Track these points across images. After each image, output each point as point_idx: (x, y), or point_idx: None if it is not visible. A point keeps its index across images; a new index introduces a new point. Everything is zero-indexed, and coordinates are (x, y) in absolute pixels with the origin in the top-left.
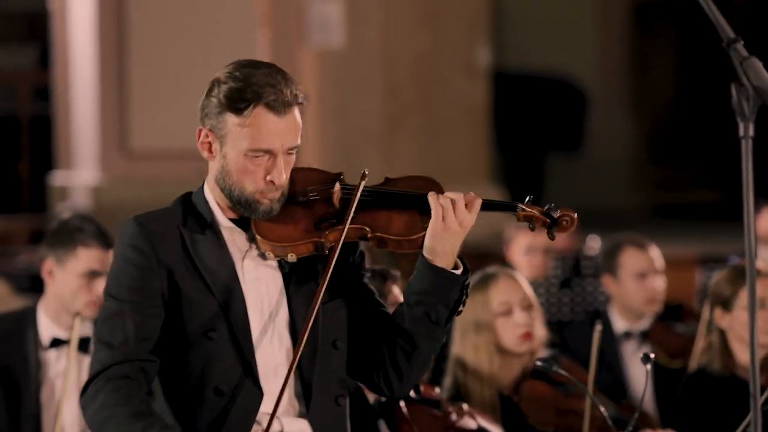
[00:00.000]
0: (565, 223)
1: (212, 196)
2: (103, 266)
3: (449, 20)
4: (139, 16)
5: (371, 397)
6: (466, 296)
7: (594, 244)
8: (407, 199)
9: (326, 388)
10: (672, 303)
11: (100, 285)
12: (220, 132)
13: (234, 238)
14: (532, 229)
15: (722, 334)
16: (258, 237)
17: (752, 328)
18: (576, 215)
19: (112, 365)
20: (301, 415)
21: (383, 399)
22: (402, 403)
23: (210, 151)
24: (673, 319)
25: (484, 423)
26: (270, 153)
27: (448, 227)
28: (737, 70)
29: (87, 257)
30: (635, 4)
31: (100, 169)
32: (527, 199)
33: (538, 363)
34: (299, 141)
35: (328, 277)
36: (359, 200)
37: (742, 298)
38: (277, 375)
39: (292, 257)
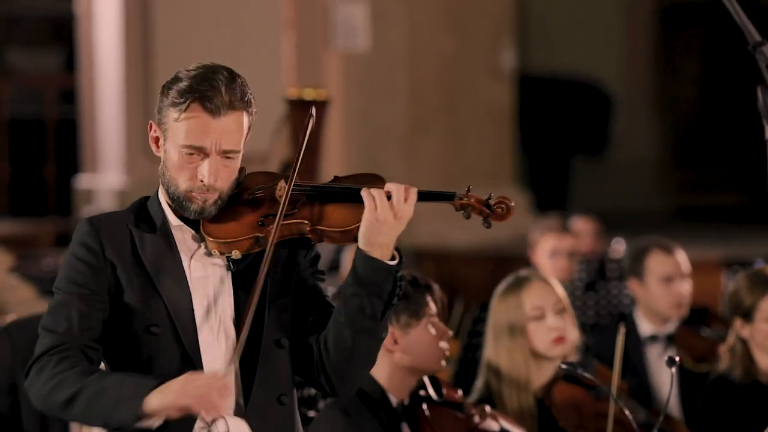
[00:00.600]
0: (500, 210)
1: (163, 196)
2: None
3: (474, 23)
4: (165, 20)
5: (394, 400)
6: (400, 289)
7: (619, 246)
8: (347, 194)
9: (268, 386)
10: (697, 307)
11: None
12: (163, 127)
13: (184, 237)
14: (467, 217)
15: (744, 343)
16: (204, 235)
17: None
18: (513, 204)
19: (56, 347)
20: (240, 414)
21: (406, 402)
22: (425, 406)
23: (157, 145)
24: (699, 323)
25: (507, 425)
26: (202, 151)
27: (381, 218)
28: (763, 73)
29: None
30: (661, 7)
31: (125, 172)
32: (466, 189)
33: (563, 366)
34: (240, 147)
35: (265, 271)
36: (303, 195)
37: (764, 309)
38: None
39: (236, 254)
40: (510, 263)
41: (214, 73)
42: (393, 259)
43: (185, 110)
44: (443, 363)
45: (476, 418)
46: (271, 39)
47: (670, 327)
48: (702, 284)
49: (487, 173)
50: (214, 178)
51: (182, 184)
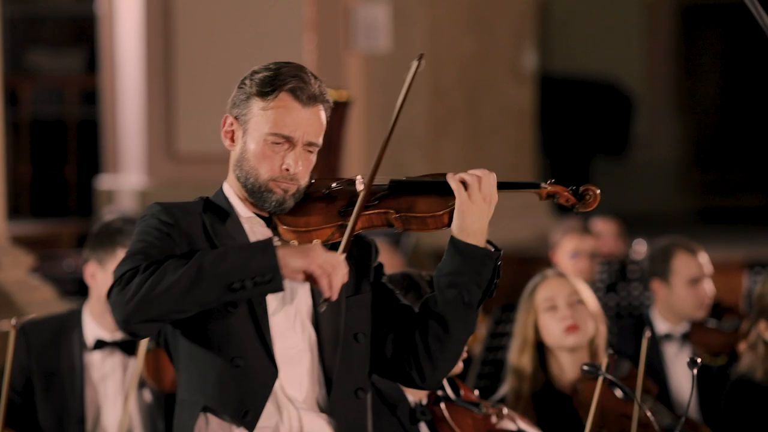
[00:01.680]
0: (588, 197)
1: (232, 191)
2: None
3: (496, 24)
4: (186, 21)
5: (412, 399)
6: (499, 277)
7: (640, 248)
8: (428, 186)
9: (346, 379)
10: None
11: None
12: (244, 118)
13: (254, 229)
14: (556, 203)
15: (766, 345)
16: (282, 227)
17: None
18: (599, 192)
19: (138, 265)
20: (323, 409)
21: (423, 402)
22: (442, 405)
23: (232, 139)
24: (713, 317)
25: (525, 426)
26: (289, 141)
27: (474, 201)
28: None
29: None
30: (682, 8)
31: (146, 172)
32: (549, 181)
33: (585, 368)
34: (320, 141)
35: (345, 246)
36: (381, 189)
37: None
38: (301, 361)
39: (316, 243)
40: (531, 264)
41: (300, 68)
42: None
43: (274, 99)
44: (460, 364)
45: (494, 418)
46: (293, 40)
47: (685, 325)
48: (724, 285)
49: (509, 174)
50: (298, 166)
51: (264, 173)
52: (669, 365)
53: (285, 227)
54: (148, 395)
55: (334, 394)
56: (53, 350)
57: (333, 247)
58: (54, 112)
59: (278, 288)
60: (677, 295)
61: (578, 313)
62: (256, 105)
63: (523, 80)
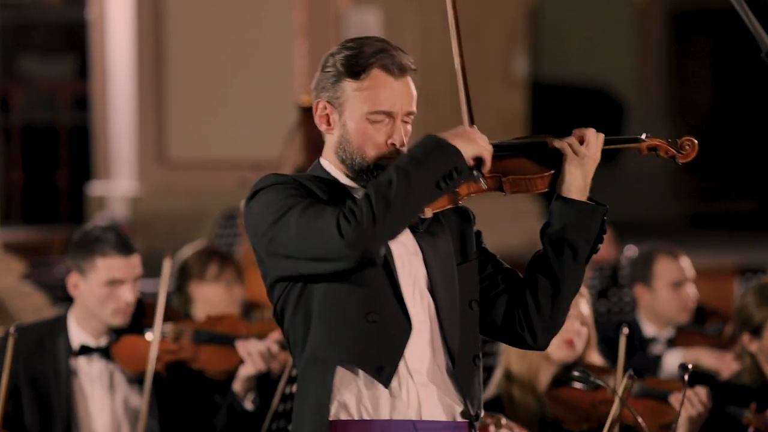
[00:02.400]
0: (687, 147)
1: (332, 167)
2: (124, 274)
3: (487, 30)
4: (177, 27)
5: None
6: (605, 231)
7: (632, 254)
8: (530, 147)
9: (466, 348)
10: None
11: (125, 292)
12: (338, 101)
13: None
14: (657, 156)
15: (752, 357)
16: None
17: None
18: (696, 142)
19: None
20: (445, 380)
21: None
22: None
23: (328, 123)
24: (697, 321)
25: None
26: (390, 116)
27: (583, 156)
28: None
29: (106, 267)
30: (673, 14)
31: (137, 179)
32: (645, 135)
33: (575, 373)
34: (415, 108)
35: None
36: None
37: None
38: (421, 331)
39: (428, 212)
40: (522, 269)
41: (382, 41)
42: None
43: (367, 77)
44: None
45: (492, 428)
46: (284, 45)
47: (671, 330)
48: (715, 291)
49: None
50: (404, 139)
51: (371, 151)
52: (660, 368)
53: None
54: (135, 399)
55: (459, 364)
56: (39, 355)
57: (433, 222)
58: (45, 119)
59: (470, 177)
60: (660, 299)
61: (578, 328)
62: (349, 86)
63: (514, 86)
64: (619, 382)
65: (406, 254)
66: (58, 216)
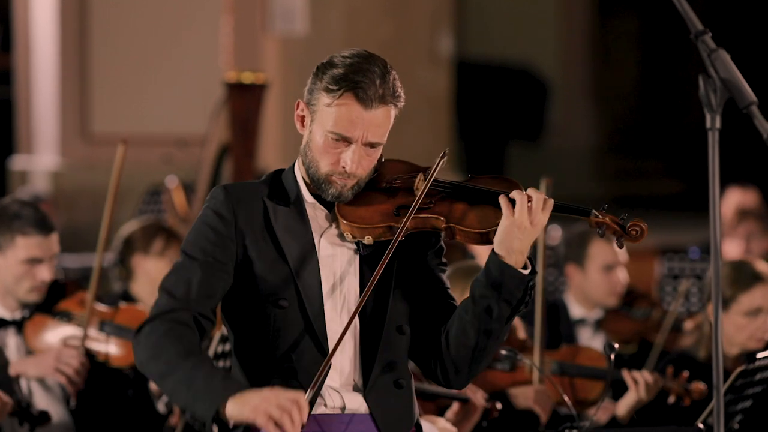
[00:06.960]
0: (634, 233)
1: (300, 172)
2: (43, 252)
3: (412, 9)
4: (102, 1)
5: None
6: (530, 297)
7: (555, 233)
8: (484, 195)
9: (387, 369)
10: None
11: (43, 271)
12: (313, 108)
13: (316, 214)
14: (602, 236)
15: (711, 326)
16: (339, 217)
17: (716, 319)
18: (646, 226)
19: (170, 311)
20: (358, 391)
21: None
22: None
23: (302, 124)
24: (625, 304)
25: None
26: (347, 140)
27: (519, 224)
28: (705, 62)
29: (26, 245)
30: None
31: (60, 153)
32: (602, 207)
33: (503, 352)
34: (384, 139)
35: (387, 259)
36: (439, 191)
37: (742, 302)
38: (343, 351)
39: (368, 240)
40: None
41: (370, 65)
42: (525, 267)
43: (338, 98)
44: None
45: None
46: (209, 22)
47: (599, 311)
48: (638, 271)
49: (425, 158)
50: (356, 166)
51: (324, 167)
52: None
53: (341, 217)
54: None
55: (372, 383)
56: None
57: (386, 241)
58: None
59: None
60: (591, 280)
61: None
62: (323, 99)
63: (439, 65)
64: (539, 358)
65: (340, 276)
66: None
